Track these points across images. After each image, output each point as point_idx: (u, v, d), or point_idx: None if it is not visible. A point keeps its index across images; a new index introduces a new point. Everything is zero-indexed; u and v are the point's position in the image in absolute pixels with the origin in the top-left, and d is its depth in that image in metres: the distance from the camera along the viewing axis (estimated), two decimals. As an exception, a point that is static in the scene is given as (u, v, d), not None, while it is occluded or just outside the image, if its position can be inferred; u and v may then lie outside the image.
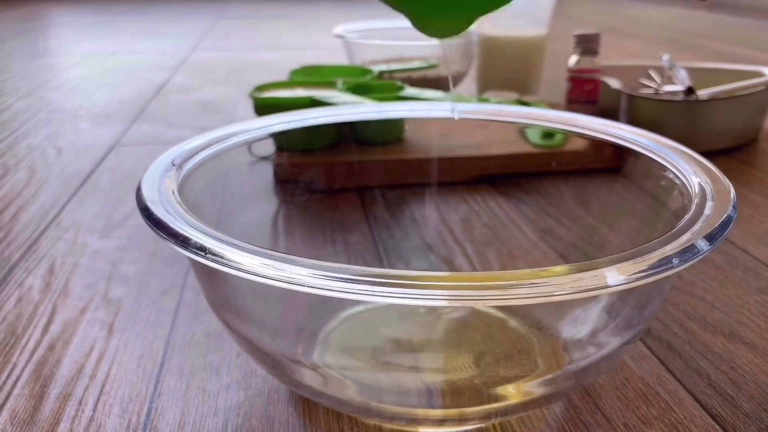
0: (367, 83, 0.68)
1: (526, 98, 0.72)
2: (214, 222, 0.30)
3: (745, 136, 0.67)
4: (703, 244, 0.22)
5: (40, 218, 0.51)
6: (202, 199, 0.31)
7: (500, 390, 0.26)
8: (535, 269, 0.20)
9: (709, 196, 0.26)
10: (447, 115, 0.40)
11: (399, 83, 0.68)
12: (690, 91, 0.68)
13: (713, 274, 0.41)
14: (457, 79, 0.90)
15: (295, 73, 0.74)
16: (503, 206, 0.45)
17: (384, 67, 0.79)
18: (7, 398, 0.31)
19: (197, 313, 0.37)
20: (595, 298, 0.27)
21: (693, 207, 0.25)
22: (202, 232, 0.23)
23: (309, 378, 0.27)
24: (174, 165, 0.30)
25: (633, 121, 0.65)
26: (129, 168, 0.63)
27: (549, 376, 0.27)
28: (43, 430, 0.29)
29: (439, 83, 0.83)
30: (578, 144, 0.37)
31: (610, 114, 0.68)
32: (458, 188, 0.47)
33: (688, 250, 0.22)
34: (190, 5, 2.11)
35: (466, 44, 0.86)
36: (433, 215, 0.43)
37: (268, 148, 0.37)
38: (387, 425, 0.28)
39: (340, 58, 1.02)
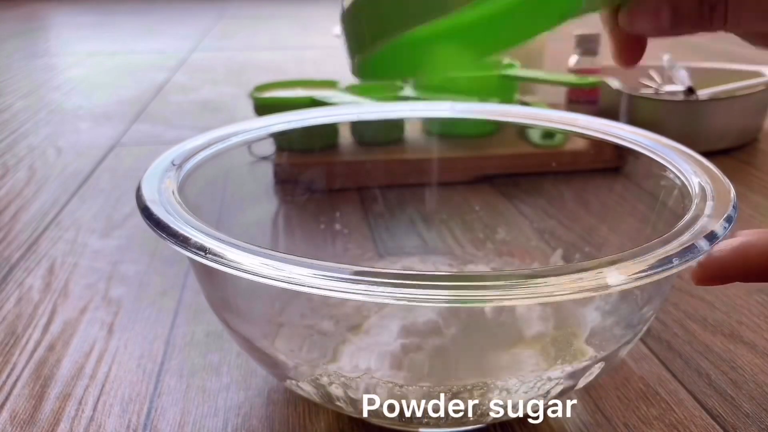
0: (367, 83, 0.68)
1: (526, 98, 0.72)
2: (214, 222, 0.30)
3: (745, 136, 0.67)
4: (703, 244, 0.22)
5: (40, 218, 0.51)
6: (202, 199, 0.31)
7: (500, 390, 0.26)
8: (535, 269, 0.20)
9: (709, 196, 0.26)
10: (447, 115, 0.40)
11: (399, 83, 0.68)
12: (690, 91, 0.68)
13: (713, 274, 0.41)
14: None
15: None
16: (503, 206, 0.45)
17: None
18: (7, 398, 0.30)
19: (197, 313, 0.37)
20: (595, 297, 0.27)
21: (693, 207, 0.25)
22: (202, 232, 0.23)
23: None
24: (174, 165, 0.30)
25: (633, 121, 0.65)
26: (129, 168, 0.63)
27: (549, 376, 0.27)
28: (43, 430, 0.28)
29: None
30: (578, 144, 0.37)
31: (610, 114, 0.68)
32: (458, 188, 0.47)
33: (688, 250, 0.22)
34: (190, 5, 2.11)
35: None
36: (433, 215, 0.43)
37: (268, 148, 0.37)
38: (387, 425, 0.28)
39: (340, 58, 1.02)
